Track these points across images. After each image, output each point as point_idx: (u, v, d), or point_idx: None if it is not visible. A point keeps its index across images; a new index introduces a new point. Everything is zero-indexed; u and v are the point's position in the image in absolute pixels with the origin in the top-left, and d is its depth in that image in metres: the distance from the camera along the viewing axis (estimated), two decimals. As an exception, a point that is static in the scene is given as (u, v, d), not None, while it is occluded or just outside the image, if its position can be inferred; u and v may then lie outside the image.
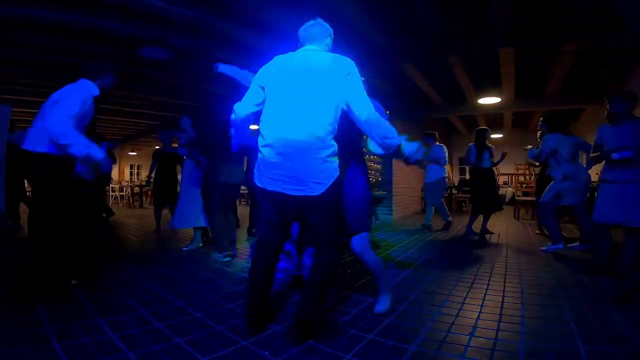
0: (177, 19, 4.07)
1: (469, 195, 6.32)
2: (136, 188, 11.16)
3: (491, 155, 5.01)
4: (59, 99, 2.17)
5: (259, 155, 1.68)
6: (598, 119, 5.45)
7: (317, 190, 1.59)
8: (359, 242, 1.92)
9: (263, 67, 1.76)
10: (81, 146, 2.07)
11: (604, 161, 2.89)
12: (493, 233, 4.94)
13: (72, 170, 2.29)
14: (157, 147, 5.71)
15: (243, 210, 6.29)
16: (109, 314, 1.93)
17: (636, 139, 2.61)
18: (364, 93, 1.65)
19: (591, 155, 3.03)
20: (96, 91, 2.36)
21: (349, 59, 1.66)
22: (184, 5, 3.83)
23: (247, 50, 5.12)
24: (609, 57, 5.32)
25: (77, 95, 2.22)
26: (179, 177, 4.77)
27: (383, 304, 2.04)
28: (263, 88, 1.72)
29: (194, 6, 3.87)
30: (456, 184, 9.98)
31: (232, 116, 1.84)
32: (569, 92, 7.01)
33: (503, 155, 5.21)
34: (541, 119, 4.20)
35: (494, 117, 9.83)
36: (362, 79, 1.70)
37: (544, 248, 3.75)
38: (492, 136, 11.18)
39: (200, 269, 3.05)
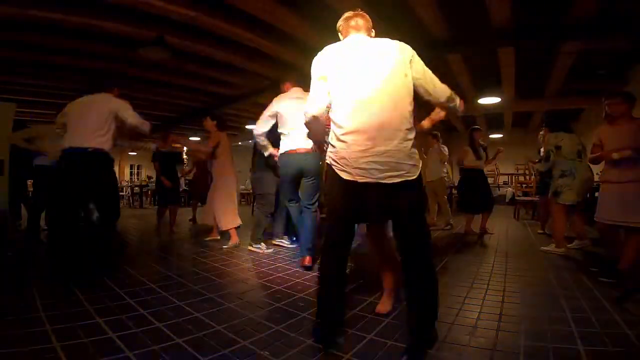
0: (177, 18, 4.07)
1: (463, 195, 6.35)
2: (136, 188, 11.16)
3: (480, 157, 4.99)
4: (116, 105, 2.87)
5: (335, 147, 1.57)
6: (598, 119, 5.45)
7: (413, 173, 1.53)
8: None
9: (318, 58, 1.68)
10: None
11: (603, 162, 2.90)
12: (492, 233, 4.94)
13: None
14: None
15: (245, 210, 6.29)
16: (109, 314, 1.93)
17: (635, 139, 2.62)
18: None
19: (590, 156, 3.04)
20: None
21: (407, 45, 1.63)
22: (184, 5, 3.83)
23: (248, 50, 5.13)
24: (609, 57, 5.32)
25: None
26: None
27: (388, 305, 2.03)
28: (326, 79, 1.61)
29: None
30: (456, 184, 9.98)
31: (309, 119, 1.71)
32: (569, 92, 7.00)
33: (497, 153, 5.22)
34: (544, 119, 4.22)
35: (494, 117, 9.83)
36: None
37: (545, 248, 3.75)
38: (492, 136, 11.22)
39: (201, 269, 3.05)
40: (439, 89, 1.68)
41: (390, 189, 1.50)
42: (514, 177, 10.55)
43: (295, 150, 3.04)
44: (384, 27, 4.63)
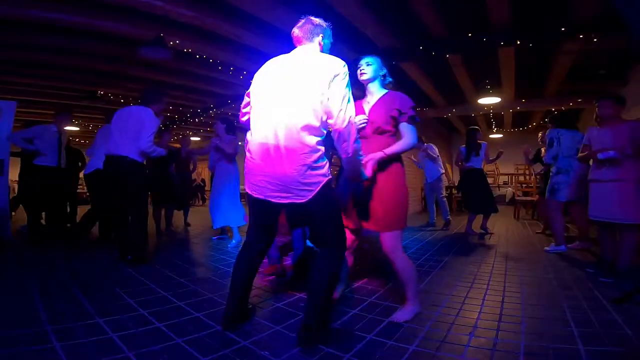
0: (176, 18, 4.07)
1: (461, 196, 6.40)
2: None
3: (477, 154, 4.98)
4: (143, 121, 3.10)
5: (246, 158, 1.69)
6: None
7: (304, 195, 1.55)
8: (390, 239, 1.86)
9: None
10: (157, 151, 3.22)
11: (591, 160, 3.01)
12: (492, 233, 4.95)
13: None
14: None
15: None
16: (109, 314, 1.93)
17: (619, 140, 2.72)
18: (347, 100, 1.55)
19: (579, 155, 3.16)
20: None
21: (340, 62, 1.55)
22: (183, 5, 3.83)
23: (248, 50, 5.13)
24: (609, 57, 5.33)
25: (154, 122, 3.17)
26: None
27: (405, 314, 1.92)
28: (248, 94, 1.75)
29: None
30: (456, 184, 9.98)
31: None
32: (569, 92, 7.01)
33: (498, 155, 5.24)
34: (548, 118, 4.28)
35: (494, 117, 9.83)
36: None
37: (547, 248, 3.76)
38: (492, 136, 11.23)
39: (200, 269, 3.05)
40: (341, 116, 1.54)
41: (282, 207, 1.65)
42: (514, 177, 10.55)
43: None
44: (384, 27, 4.65)
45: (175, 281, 2.63)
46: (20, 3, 3.65)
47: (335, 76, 1.52)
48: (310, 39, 1.71)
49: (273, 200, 1.60)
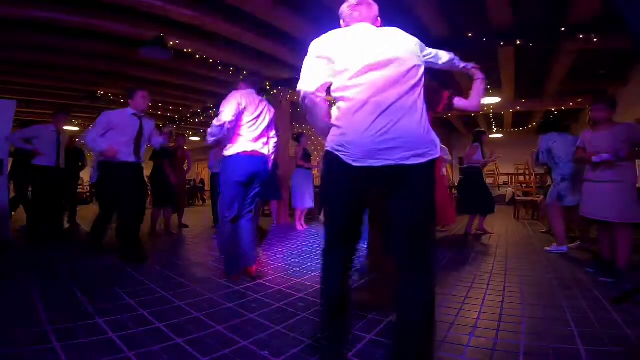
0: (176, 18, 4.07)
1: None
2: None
3: (483, 156, 5.01)
4: None
5: (340, 128, 1.32)
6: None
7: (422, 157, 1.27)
8: None
9: (321, 40, 1.42)
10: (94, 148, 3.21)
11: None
12: (492, 233, 4.95)
13: None
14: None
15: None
16: (109, 314, 1.93)
17: (613, 143, 2.77)
18: None
19: (574, 157, 3.21)
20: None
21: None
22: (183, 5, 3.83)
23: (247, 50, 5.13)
24: (609, 57, 5.32)
25: (101, 118, 3.23)
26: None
27: None
28: (330, 59, 1.36)
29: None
30: (456, 184, 9.99)
31: (307, 96, 1.40)
32: (569, 92, 7.01)
33: (491, 154, 5.28)
34: (537, 127, 4.31)
35: (494, 117, 9.83)
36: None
37: (548, 248, 3.76)
38: (492, 136, 11.23)
39: (200, 269, 3.06)
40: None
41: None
42: (514, 177, 10.55)
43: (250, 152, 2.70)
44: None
45: (175, 281, 2.63)
46: (20, 3, 3.65)
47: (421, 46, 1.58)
48: (376, 19, 1.66)
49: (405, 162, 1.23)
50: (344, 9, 1.57)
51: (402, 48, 1.39)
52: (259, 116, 2.77)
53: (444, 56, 1.74)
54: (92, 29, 4.25)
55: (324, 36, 1.43)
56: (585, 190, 3.00)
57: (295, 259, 3.39)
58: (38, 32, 4.33)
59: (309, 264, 3.18)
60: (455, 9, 4.04)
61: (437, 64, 1.72)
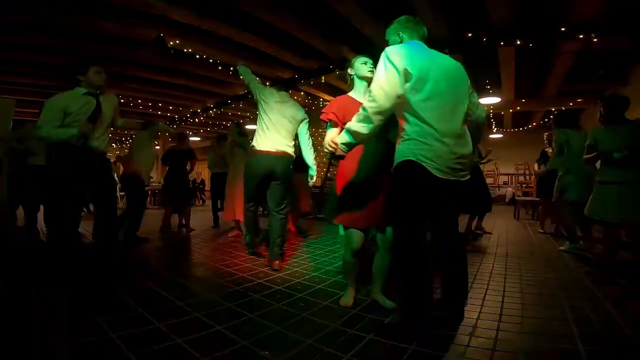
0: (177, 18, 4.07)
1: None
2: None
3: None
4: None
5: (430, 145, 1.62)
6: (598, 119, 5.34)
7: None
8: None
9: (400, 52, 1.65)
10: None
11: (598, 162, 2.96)
12: (490, 233, 4.95)
13: None
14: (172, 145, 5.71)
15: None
16: (109, 314, 1.93)
17: (633, 140, 2.68)
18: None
19: (585, 156, 3.09)
20: None
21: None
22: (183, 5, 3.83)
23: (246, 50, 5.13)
24: (609, 57, 5.32)
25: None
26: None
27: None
28: (409, 75, 1.62)
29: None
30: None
31: (379, 110, 1.64)
32: (569, 92, 7.01)
33: (487, 153, 5.27)
34: (552, 120, 4.27)
35: (494, 117, 9.83)
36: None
37: (562, 248, 3.76)
38: (492, 136, 11.22)
39: (200, 269, 3.05)
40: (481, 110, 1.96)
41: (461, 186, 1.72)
42: (514, 177, 10.54)
43: (268, 151, 2.96)
44: (384, 27, 4.65)
45: (176, 281, 2.63)
46: (20, 3, 3.65)
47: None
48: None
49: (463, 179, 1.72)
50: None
51: None
52: None
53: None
54: (92, 29, 4.26)
55: None
56: (598, 192, 2.86)
57: (295, 259, 3.39)
58: (38, 32, 4.33)
59: (309, 264, 3.18)
60: (455, 9, 4.05)
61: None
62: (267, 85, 6.66)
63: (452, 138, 1.64)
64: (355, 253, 2.08)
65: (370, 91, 1.66)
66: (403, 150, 1.66)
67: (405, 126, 1.67)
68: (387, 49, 1.67)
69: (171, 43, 4.67)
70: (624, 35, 4.17)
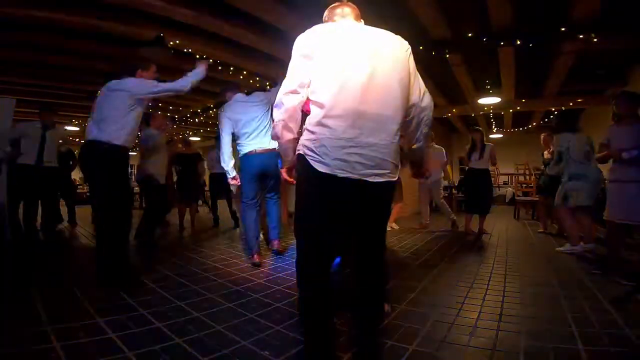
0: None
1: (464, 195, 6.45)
2: (136, 188, 11.11)
3: (481, 156, 4.99)
4: None
5: (316, 132, 1.28)
6: (598, 119, 5.43)
7: (395, 175, 1.34)
8: None
9: (304, 36, 1.45)
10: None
11: (610, 161, 2.91)
12: (489, 233, 4.95)
13: None
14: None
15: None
16: (109, 314, 1.93)
17: (638, 139, 2.62)
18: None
19: (597, 155, 3.04)
20: None
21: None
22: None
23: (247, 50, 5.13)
24: (609, 57, 5.32)
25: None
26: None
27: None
28: (310, 56, 1.38)
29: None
30: (456, 184, 9.98)
31: (286, 97, 1.39)
32: (569, 92, 7.01)
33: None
34: (552, 124, 4.21)
35: (494, 117, 9.83)
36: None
37: (561, 248, 3.73)
38: (492, 136, 11.22)
39: (200, 269, 3.05)
40: (426, 96, 1.48)
41: (370, 189, 1.28)
42: (514, 177, 10.55)
43: (254, 151, 3.22)
44: (384, 27, 4.65)
45: (176, 281, 2.63)
46: (20, 3, 3.65)
47: (410, 53, 1.48)
48: (358, 17, 1.63)
49: (366, 178, 1.26)
50: None
51: None
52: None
53: None
54: (92, 29, 4.25)
55: None
56: (613, 192, 2.81)
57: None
58: (38, 32, 4.32)
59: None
60: (455, 9, 4.04)
61: None
62: (267, 86, 6.68)
63: (344, 120, 1.27)
64: None
65: None
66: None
67: None
68: None
69: (171, 43, 4.67)
70: (624, 35, 4.17)
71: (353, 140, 1.24)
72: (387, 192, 1.35)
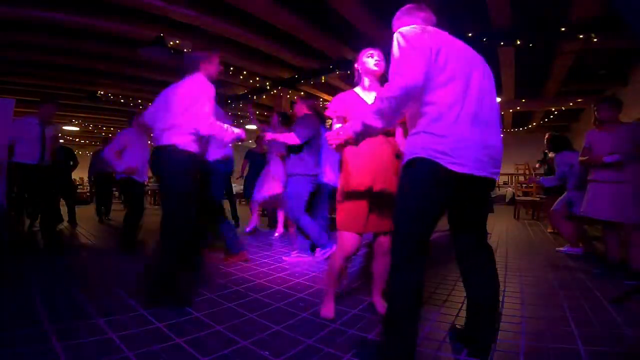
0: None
1: None
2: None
3: None
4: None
5: (445, 136, 1.30)
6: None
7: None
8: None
9: (423, 31, 1.38)
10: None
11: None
12: (489, 233, 4.95)
13: None
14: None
15: (243, 211, 6.29)
16: (109, 314, 1.93)
17: (621, 143, 2.74)
18: None
19: (580, 159, 3.12)
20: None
21: None
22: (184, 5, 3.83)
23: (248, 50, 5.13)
24: (609, 57, 5.33)
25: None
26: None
27: None
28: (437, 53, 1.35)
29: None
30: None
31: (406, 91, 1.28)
32: (569, 92, 7.01)
33: None
34: (547, 139, 4.26)
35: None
36: None
37: (560, 249, 3.75)
38: (492, 136, 11.23)
39: (200, 270, 3.05)
40: None
41: (491, 185, 1.55)
42: (514, 177, 10.55)
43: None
44: (384, 27, 4.65)
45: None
46: (20, 3, 3.65)
47: None
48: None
49: (495, 176, 1.51)
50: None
51: None
52: None
53: None
54: (92, 29, 4.25)
55: None
56: (592, 191, 2.92)
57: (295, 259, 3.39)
58: (38, 32, 4.33)
59: (309, 265, 3.18)
60: (455, 9, 4.04)
61: None
62: (267, 86, 6.68)
63: (480, 125, 1.40)
64: (347, 258, 1.90)
65: None
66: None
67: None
68: None
69: (171, 43, 4.67)
70: (624, 35, 4.17)
71: (486, 142, 1.40)
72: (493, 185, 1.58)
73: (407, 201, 1.38)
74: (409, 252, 1.36)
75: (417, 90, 1.30)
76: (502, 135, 1.64)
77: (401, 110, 1.35)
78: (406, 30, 1.38)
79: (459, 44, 1.49)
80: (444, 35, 1.46)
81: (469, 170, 1.32)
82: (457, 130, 1.31)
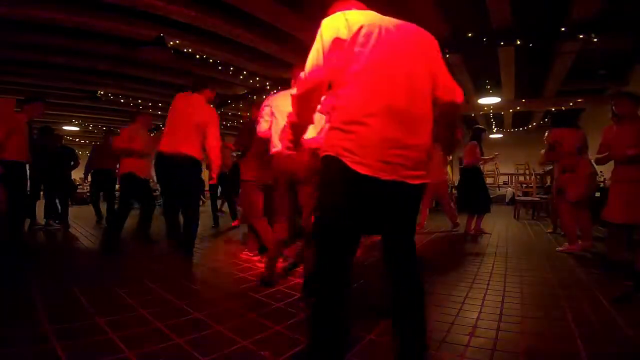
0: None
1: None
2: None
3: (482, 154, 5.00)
4: None
5: (352, 132, 1.17)
6: (598, 119, 5.43)
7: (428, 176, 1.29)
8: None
9: (338, 17, 1.26)
10: None
11: (612, 161, 2.92)
12: (489, 233, 4.94)
13: None
14: None
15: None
16: (109, 314, 1.93)
17: None
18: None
19: (597, 156, 3.05)
20: None
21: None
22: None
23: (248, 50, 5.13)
24: (609, 57, 5.33)
25: None
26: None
27: None
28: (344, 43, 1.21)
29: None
30: (456, 184, 9.98)
31: (310, 86, 1.24)
32: (569, 92, 7.01)
33: (494, 157, 5.33)
34: (551, 118, 4.27)
35: (494, 117, 9.84)
36: None
37: (560, 248, 3.74)
38: (492, 136, 11.23)
39: (200, 270, 3.05)
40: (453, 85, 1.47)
41: (408, 191, 1.23)
42: (514, 177, 10.55)
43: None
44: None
45: (176, 281, 2.62)
46: (20, 3, 3.65)
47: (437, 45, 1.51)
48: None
49: (409, 181, 1.20)
50: None
51: None
52: None
53: None
54: (92, 29, 4.25)
55: None
56: (614, 192, 2.81)
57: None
58: (38, 32, 4.33)
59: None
60: (455, 9, 4.05)
61: None
62: (267, 85, 6.68)
63: (390, 119, 1.19)
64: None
65: None
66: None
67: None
68: None
69: (171, 43, 4.67)
70: (624, 35, 4.17)
71: (400, 142, 1.17)
72: (422, 192, 1.30)
73: (324, 201, 1.28)
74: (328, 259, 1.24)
75: (320, 86, 1.24)
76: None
77: (311, 105, 1.32)
78: (326, 20, 1.27)
79: (393, 27, 1.29)
80: (372, 17, 1.30)
81: (373, 172, 1.14)
82: (368, 126, 1.15)
